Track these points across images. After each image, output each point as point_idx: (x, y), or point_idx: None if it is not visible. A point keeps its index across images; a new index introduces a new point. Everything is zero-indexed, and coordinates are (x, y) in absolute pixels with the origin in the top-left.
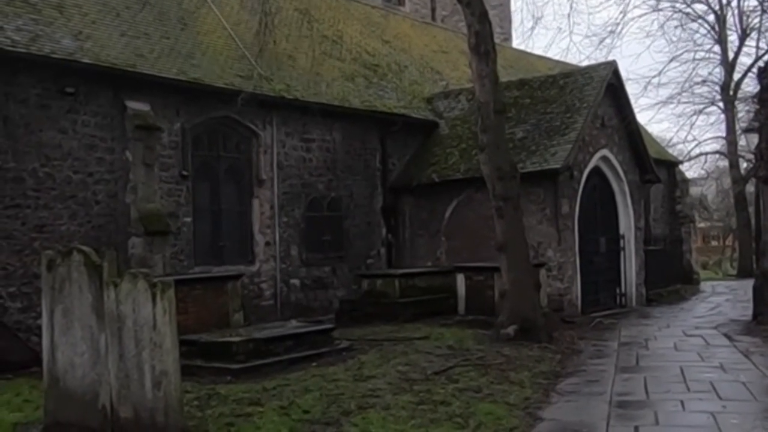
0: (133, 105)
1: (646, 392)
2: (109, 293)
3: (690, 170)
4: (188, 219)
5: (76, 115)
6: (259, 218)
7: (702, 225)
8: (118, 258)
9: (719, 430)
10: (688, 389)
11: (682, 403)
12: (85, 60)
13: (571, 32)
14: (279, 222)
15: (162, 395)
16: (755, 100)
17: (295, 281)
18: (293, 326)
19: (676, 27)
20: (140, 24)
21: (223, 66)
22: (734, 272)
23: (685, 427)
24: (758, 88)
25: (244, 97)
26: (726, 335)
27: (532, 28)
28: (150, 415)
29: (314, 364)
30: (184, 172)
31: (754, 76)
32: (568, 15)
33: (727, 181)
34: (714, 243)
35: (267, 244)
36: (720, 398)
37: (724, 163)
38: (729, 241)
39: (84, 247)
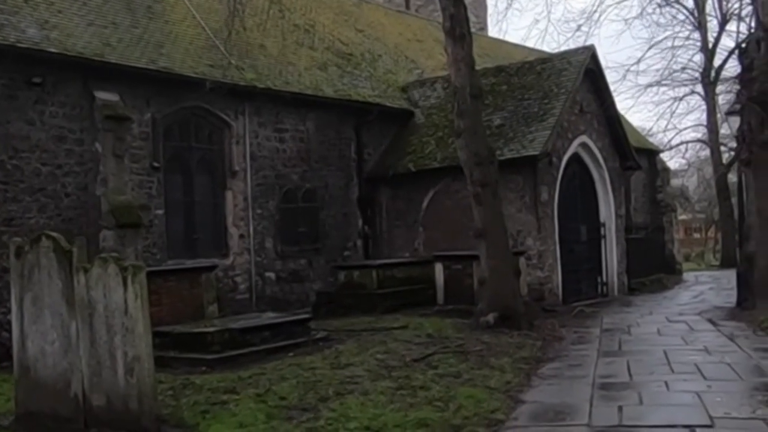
0: (102, 95)
1: (630, 374)
2: (79, 279)
3: (671, 161)
4: (160, 211)
5: (44, 106)
6: (233, 210)
7: (684, 217)
8: (89, 248)
9: (704, 408)
10: (673, 371)
11: (666, 383)
12: (52, 49)
13: (549, 13)
14: (253, 214)
15: (135, 382)
16: (737, 81)
17: (271, 274)
18: (269, 317)
19: (653, 11)
20: (107, 13)
21: (194, 55)
22: (717, 263)
23: (669, 406)
24: (739, 70)
25: (212, 83)
26: (710, 320)
27: (507, 9)
28: (123, 403)
29: (291, 354)
30: (156, 164)
31: (735, 60)
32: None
33: (708, 171)
34: (696, 235)
35: (241, 236)
36: (705, 378)
37: (705, 152)
38: (711, 233)
39: (53, 233)
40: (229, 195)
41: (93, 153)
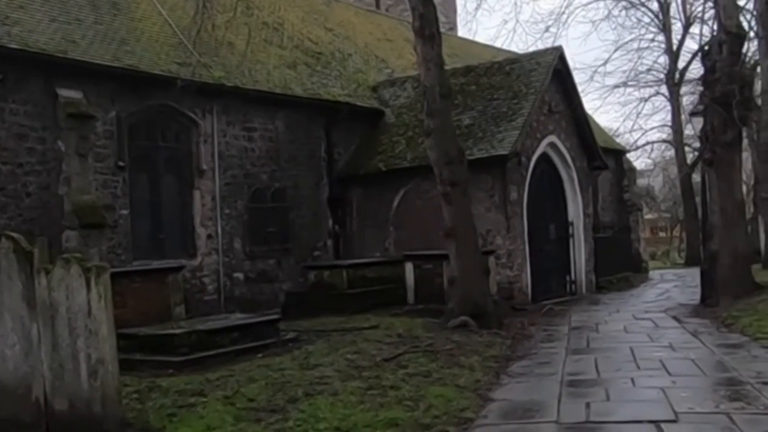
0: (65, 93)
1: (597, 371)
2: (40, 280)
3: (637, 161)
4: (125, 211)
5: (5, 104)
6: (201, 210)
7: (649, 216)
8: (52, 249)
9: (669, 404)
10: (639, 367)
11: (632, 380)
12: (13, 45)
13: (517, 14)
14: (221, 214)
15: (99, 385)
16: (700, 82)
17: (239, 275)
18: (238, 318)
19: (619, 14)
20: (71, 9)
21: (160, 53)
22: (682, 261)
23: (635, 402)
24: (703, 72)
25: (183, 81)
26: (675, 318)
27: (476, 9)
28: (86, 406)
29: (260, 355)
30: (121, 163)
31: (698, 62)
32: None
33: (673, 171)
34: (662, 234)
35: (209, 236)
36: (670, 374)
37: (671, 152)
38: (676, 232)
39: (13, 234)
40: (196, 195)
41: (56, 152)
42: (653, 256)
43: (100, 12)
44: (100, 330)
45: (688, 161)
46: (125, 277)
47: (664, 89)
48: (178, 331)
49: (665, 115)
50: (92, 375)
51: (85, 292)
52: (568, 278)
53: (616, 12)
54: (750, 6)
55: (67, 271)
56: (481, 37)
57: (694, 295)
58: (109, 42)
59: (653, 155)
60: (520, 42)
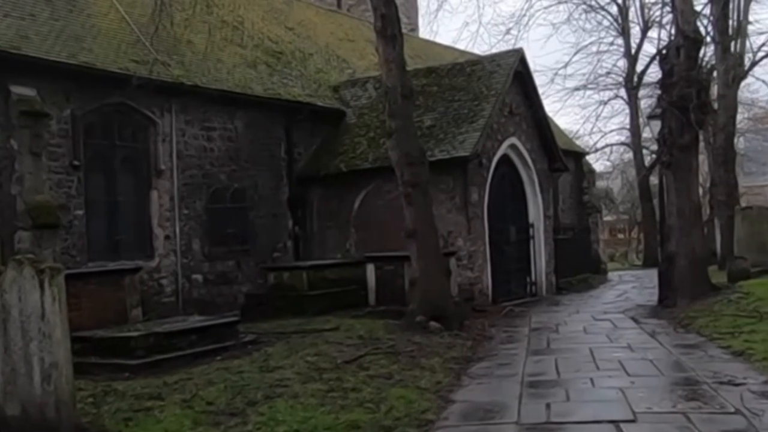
0: (18, 90)
1: (557, 372)
2: None
3: (596, 163)
4: (80, 212)
5: None
6: (158, 211)
7: (608, 218)
8: (4, 250)
9: (628, 404)
10: (598, 368)
11: (592, 380)
12: None
13: (480, 16)
14: (179, 214)
15: (52, 389)
16: (658, 86)
17: (198, 276)
18: (196, 320)
19: (579, 17)
20: (25, 4)
21: (117, 50)
22: (640, 262)
23: (595, 402)
24: (660, 75)
25: (139, 79)
26: (633, 318)
27: (437, 10)
28: (39, 411)
29: (219, 357)
30: (76, 162)
31: (656, 66)
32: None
33: (632, 173)
34: (620, 236)
35: (167, 237)
36: (628, 375)
37: (629, 155)
38: (634, 234)
39: None
40: (154, 195)
41: (8, 150)
42: (612, 258)
43: (55, 8)
44: (53, 333)
45: (646, 164)
46: (80, 279)
47: (623, 92)
48: (134, 333)
49: (624, 118)
50: (46, 379)
51: (38, 294)
52: (528, 279)
53: (576, 15)
54: (707, 11)
55: (19, 272)
56: (443, 39)
57: (651, 296)
58: (64, 38)
59: (612, 158)
60: (483, 44)
